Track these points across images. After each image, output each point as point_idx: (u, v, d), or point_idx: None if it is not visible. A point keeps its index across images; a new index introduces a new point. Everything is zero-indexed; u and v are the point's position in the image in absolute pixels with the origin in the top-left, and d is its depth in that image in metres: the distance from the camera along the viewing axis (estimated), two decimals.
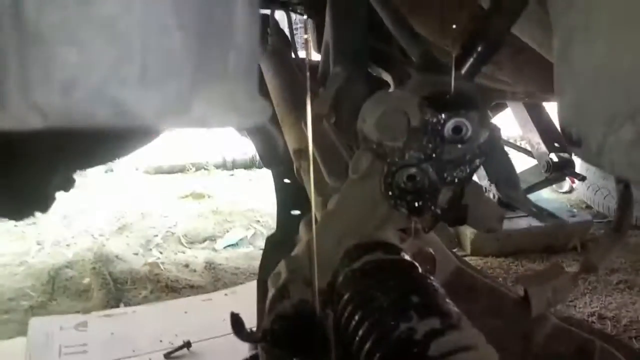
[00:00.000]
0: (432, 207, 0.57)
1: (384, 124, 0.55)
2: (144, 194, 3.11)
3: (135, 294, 2.17)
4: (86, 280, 2.24)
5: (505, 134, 2.40)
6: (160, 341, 1.85)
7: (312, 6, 1.51)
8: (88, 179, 3.33)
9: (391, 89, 1.17)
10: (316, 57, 1.33)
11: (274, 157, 1.37)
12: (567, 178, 2.88)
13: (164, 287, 2.21)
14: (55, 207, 3.22)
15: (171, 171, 3.40)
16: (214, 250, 2.58)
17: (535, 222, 2.39)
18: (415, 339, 0.51)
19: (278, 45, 1.51)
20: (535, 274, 0.73)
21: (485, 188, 2.67)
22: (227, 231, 2.74)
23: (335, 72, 0.96)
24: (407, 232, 0.75)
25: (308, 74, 0.72)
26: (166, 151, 3.53)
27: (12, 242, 2.59)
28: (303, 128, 0.94)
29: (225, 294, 2.13)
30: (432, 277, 0.60)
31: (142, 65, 0.28)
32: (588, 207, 2.75)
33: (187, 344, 1.79)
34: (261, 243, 2.55)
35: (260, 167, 3.43)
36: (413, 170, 0.58)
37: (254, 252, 2.52)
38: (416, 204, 0.57)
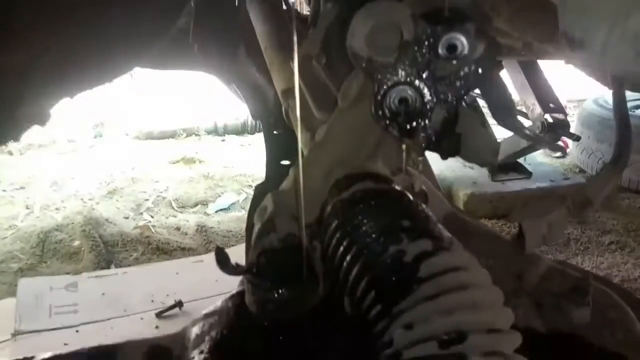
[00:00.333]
0: (424, 129, 0.54)
1: (375, 38, 0.52)
2: (134, 159, 3.06)
3: (126, 255, 2.16)
4: (76, 243, 2.22)
5: None
6: (152, 301, 1.84)
7: None
8: (77, 144, 3.28)
9: None
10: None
11: (263, 108, 1.34)
12: (560, 143, 2.86)
13: (155, 249, 2.19)
14: (44, 173, 3.16)
15: (162, 137, 3.34)
16: (206, 214, 2.56)
17: (528, 185, 2.38)
18: (404, 261, 0.49)
19: None
20: (530, 209, 0.71)
21: None
22: (219, 196, 2.71)
23: (326, 9, 0.92)
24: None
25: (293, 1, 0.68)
26: (156, 117, 3.48)
27: (1, 206, 2.56)
28: (292, 67, 0.90)
29: None
30: (423, 205, 0.58)
31: None
32: (582, 171, 2.74)
33: (179, 304, 1.78)
34: None
35: (252, 133, 3.39)
36: (404, 91, 0.55)
37: (245, 216, 2.49)
38: (408, 126, 0.54)
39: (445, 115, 0.58)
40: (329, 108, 0.76)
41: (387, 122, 0.55)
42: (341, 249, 0.54)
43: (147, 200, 2.65)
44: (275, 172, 1.15)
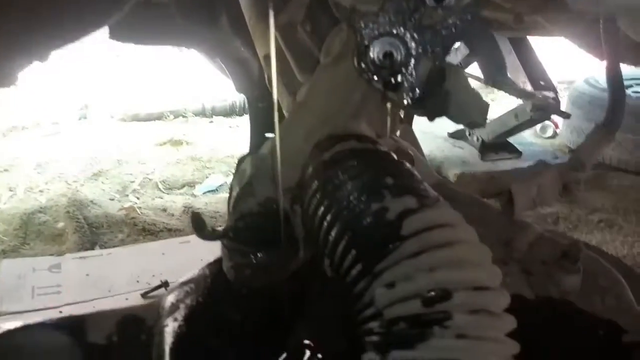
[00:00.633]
0: (409, 82, 0.51)
1: None
2: (119, 141, 3.01)
3: (111, 237, 2.12)
4: (60, 225, 2.17)
5: None
6: (137, 281, 1.81)
7: None
8: (61, 126, 3.22)
9: None
10: None
11: (248, 82, 1.30)
12: (550, 122, 2.85)
13: (140, 230, 2.15)
14: (27, 155, 3.10)
15: (148, 119, 3.28)
16: (193, 195, 2.52)
17: (518, 164, 2.37)
18: (387, 219, 0.46)
19: None
20: (519, 172, 0.69)
21: (469, 131, 2.63)
22: (207, 177, 2.67)
23: None
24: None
25: None
26: (142, 98, 3.41)
27: None
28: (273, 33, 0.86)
29: None
30: (409, 165, 0.55)
31: None
32: (572, 151, 2.73)
33: (165, 284, 1.75)
34: None
35: (240, 115, 3.34)
36: (388, 44, 0.52)
37: None
38: (392, 79, 0.51)
39: (432, 70, 0.55)
40: (312, 71, 0.73)
41: (371, 75, 0.52)
42: (321, 209, 0.51)
43: (133, 182, 2.61)
44: (259, 144, 1.12)
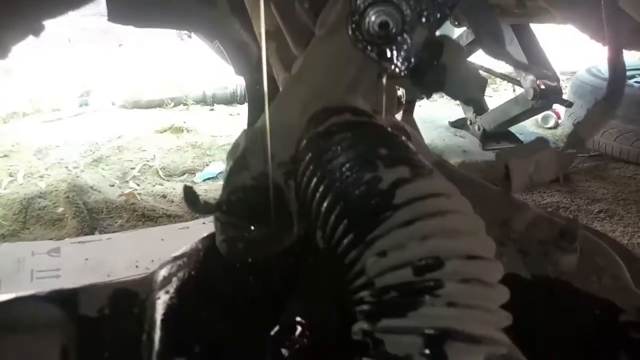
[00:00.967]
0: (405, 51, 0.50)
1: None
2: (120, 128, 3.00)
3: (110, 222, 2.12)
4: (59, 210, 2.18)
5: (492, 65, 2.32)
6: (136, 266, 1.81)
7: None
8: (62, 112, 3.21)
9: None
10: None
11: (247, 64, 1.29)
12: (552, 113, 2.83)
13: (140, 216, 2.15)
14: (28, 141, 3.09)
15: (149, 106, 3.27)
16: (193, 182, 2.52)
17: None
18: (379, 188, 0.46)
19: None
20: (517, 147, 0.68)
21: (470, 120, 2.61)
22: (207, 164, 2.66)
23: None
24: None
25: None
26: (144, 86, 3.40)
27: None
28: (272, 10, 0.85)
29: (204, 223, 2.08)
30: (404, 137, 0.54)
31: None
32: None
33: None
34: None
35: (241, 103, 3.33)
36: (384, 13, 0.51)
37: None
38: (387, 48, 0.50)
39: (428, 43, 0.54)
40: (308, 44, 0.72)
41: (366, 44, 0.51)
42: (314, 180, 0.51)
43: (133, 168, 2.61)
44: None
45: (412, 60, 0.51)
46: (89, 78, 3.45)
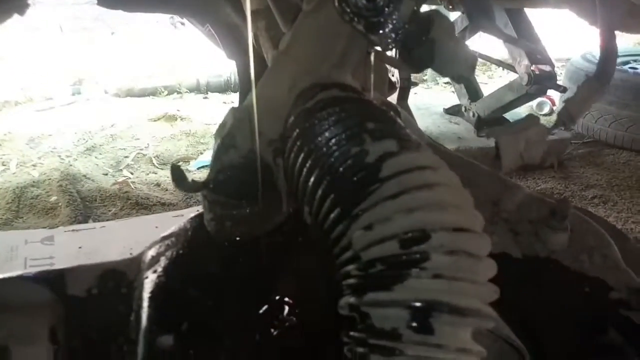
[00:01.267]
0: (392, 23, 0.49)
1: None
2: (113, 116, 2.98)
3: (104, 211, 2.11)
4: (53, 198, 2.16)
5: (486, 51, 2.30)
6: (130, 254, 1.80)
7: None
8: (55, 101, 3.19)
9: None
10: None
11: (238, 48, 1.28)
12: (547, 100, 2.83)
13: (134, 204, 2.14)
14: (21, 130, 3.07)
15: (142, 94, 3.25)
16: (187, 171, 2.51)
17: None
18: (366, 161, 0.45)
19: None
20: (507, 125, 0.67)
21: (464, 107, 2.61)
22: (201, 153, 2.65)
23: None
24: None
25: None
26: (137, 74, 3.37)
27: None
28: None
29: (198, 210, 2.07)
30: (392, 113, 0.54)
31: None
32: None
33: None
34: None
35: (235, 91, 3.30)
36: None
37: None
38: (374, 20, 0.49)
39: (417, 17, 0.53)
40: None
41: (353, 16, 0.50)
42: (301, 155, 0.50)
43: (126, 157, 2.59)
44: None
45: (400, 33, 0.50)
46: (82, 66, 3.41)
